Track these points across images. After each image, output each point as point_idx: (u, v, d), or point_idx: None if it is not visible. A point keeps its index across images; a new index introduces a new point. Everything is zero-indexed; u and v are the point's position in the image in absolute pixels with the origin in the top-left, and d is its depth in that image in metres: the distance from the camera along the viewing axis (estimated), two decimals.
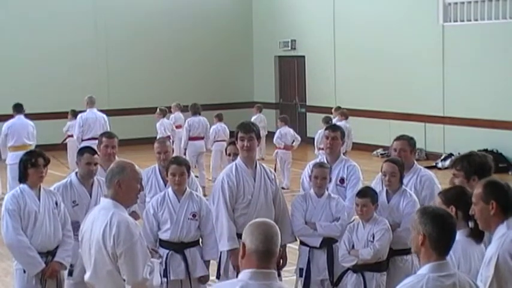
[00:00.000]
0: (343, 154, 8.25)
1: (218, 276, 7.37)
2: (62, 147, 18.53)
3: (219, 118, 16.70)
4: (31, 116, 15.77)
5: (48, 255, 6.83)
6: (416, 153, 8.85)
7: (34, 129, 14.85)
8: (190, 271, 7.02)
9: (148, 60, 23.93)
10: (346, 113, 16.94)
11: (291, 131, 16.58)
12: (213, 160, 16.23)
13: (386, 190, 7.09)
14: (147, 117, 21.38)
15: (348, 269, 7.01)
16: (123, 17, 23.62)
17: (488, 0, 18.14)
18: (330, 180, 7.38)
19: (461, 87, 18.46)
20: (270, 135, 18.68)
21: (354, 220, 7.31)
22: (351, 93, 21.45)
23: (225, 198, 7.13)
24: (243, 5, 25.38)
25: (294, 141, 16.41)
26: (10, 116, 15.05)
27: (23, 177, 6.85)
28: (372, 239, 6.85)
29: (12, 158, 13.69)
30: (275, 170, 14.74)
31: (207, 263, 7.15)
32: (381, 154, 19.78)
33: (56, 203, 6.91)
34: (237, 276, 4.06)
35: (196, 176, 11.35)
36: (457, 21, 18.84)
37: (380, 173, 7.17)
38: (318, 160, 7.85)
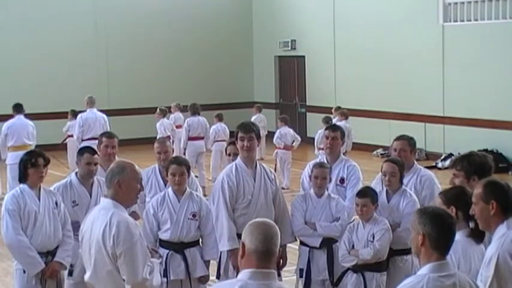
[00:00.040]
0: (343, 154, 8.25)
1: (218, 276, 7.37)
2: (62, 147, 18.53)
3: (219, 118, 16.70)
4: (31, 116, 15.78)
5: (48, 255, 6.83)
6: (416, 153, 8.84)
7: (34, 129, 14.85)
8: (190, 271, 7.02)
9: (148, 60, 23.94)
10: (346, 113, 16.94)
11: (291, 131, 16.58)
12: (213, 160, 16.23)
13: (386, 190, 7.09)
14: (147, 117, 21.39)
15: (348, 269, 7.01)
16: (123, 17, 23.62)
17: (488, 0, 18.14)
18: (330, 180, 7.38)
19: (461, 87, 18.45)
20: (270, 135, 18.68)
21: (354, 220, 7.30)
22: (351, 93, 21.45)
23: (225, 198, 7.13)
24: (243, 5, 25.38)
25: (294, 141, 16.41)
26: (10, 116, 15.05)
27: (23, 177, 6.85)
28: (372, 239, 6.85)
29: (12, 158, 13.69)
30: (275, 170, 14.74)
31: (207, 263, 7.15)
32: (381, 154, 19.78)
33: (56, 203, 6.91)
34: (237, 276, 4.06)
35: (196, 176, 11.35)
36: (457, 21, 18.84)
37: (380, 173, 7.16)
38: (318, 160, 7.84)
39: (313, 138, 16.21)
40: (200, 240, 7.15)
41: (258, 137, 7.26)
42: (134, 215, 7.16)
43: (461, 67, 18.44)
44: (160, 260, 6.25)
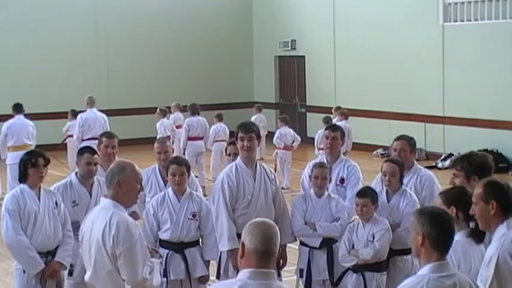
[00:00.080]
0: (343, 154, 8.25)
1: (218, 276, 7.37)
2: (62, 147, 18.53)
3: (219, 118, 16.70)
4: (31, 116, 15.77)
5: (48, 255, 6.83)
6: (416, 153, 8.84)
7: (34, 129, 14.85)
8: (190, 271, 7.03)
9: (148, 60, 23.94)
10: (346, 113, 16.94)
11: (291, 131, 16.58)
12: (213, 160, 16.23)
13: (386, 190, 7.09)
14: (147, 117, 21.39)
15: (348, 269, 7.01)
16: (123, 17, 23.62)
17: (488, 0, 18.14)
18: (330, 180, 7.38)
19: (461, 87, 18.45)
20: (270, 135, 18.67)
21: (354, 220, 7.30)
22: (351, 93, 21.45)
23: (225, 198, 7.13)
24: (243, 5, 25.38)
25: (293, 141, 16.41)
26: (10, 116, 15.04)
27: (23, 177, 6.84)
28: (372, 239, 6.85)
29: (12, 158, 13.69)
30: (275, 170, 14.74)
31: (207, 263, 7.15)
32: (381, 154, 19.78)
33: (56, 203, 6.90)
34: (236, 276, 4.06)
35: (196, 176, 11.35)
36: (457, 21, 18.84)
37: (380, 173, 7.17)
38: (318, 160, 7.84)
39: (313, 138, 16.21)
40: (200, 240, 7.15)
41: (258, 137, 7.26)
42: (134, 215, 7.16)
43: (461, 67, 18.44)
44: (160, 260, 6.25)
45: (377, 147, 20.40)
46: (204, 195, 8.58)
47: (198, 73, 24.44)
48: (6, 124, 14.80)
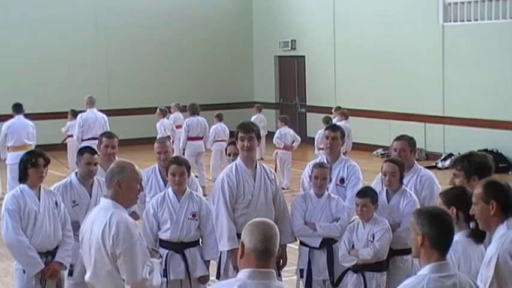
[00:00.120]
0: (343, 154, 8.25)
1: (218, 276, 7.37)
2: (62, 147, 18.52)
3: (219, 118, 16.69)
4: (31, 116, 15.77)
5: (48, 255, 6.83)
6: (417, 153, 8.84)
7: (34, 129, 14.84)
8: (190, 271, 7.02)
9: (148, 60, 23.93)
10: (346, 113, 16.94)
11: (291, 131, 16.57)
12: (213, 160, 16.23)
13: (386, 190, 7.09)
14: (147, 117, 21.38)
15: (348, 269, 7.01)
16: (123, 17, 23.61)
17: (488, 0, 18.14)
18: (330, 180, 7.38)
19: (461, 87, 18.45)
20: (270, 135, 18.67)
21: (354, 220, 7.30)
22: (351, 93, 21.45)
23: (225, 198, 7.13)
24: (243, 5, 25.38)
25: (293, 141, 16.40)
26: (10, 116, 15.03)
27: (23, 177, 6.84)
28: (372, 239, 6.85)
29: (12, 158, 13.68)
30: (275, 170, 14.73)
31: (207, 263, 7.15)
32: (381, 154, 19.78)
33: (56, 203, 6.90)
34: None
35: (196, 176, 11.35)
36: (457, 21, 18.84)
37: (380, 173, 7.17)
38: (318, 160, 7.84)
39: (313, 138, 16.21)
40: (200, 240, 7.15)
41: (258, 137, 7.26)
42: (134, 215, 7.17)
43: (461, 67, 18.44)
44: (160, 260, 6.25)
45: (377, 147, 20.40)
46: (204, 195, 8.58)
47: (198, 73, 24.44)
48: (6, 124, 14.79)
